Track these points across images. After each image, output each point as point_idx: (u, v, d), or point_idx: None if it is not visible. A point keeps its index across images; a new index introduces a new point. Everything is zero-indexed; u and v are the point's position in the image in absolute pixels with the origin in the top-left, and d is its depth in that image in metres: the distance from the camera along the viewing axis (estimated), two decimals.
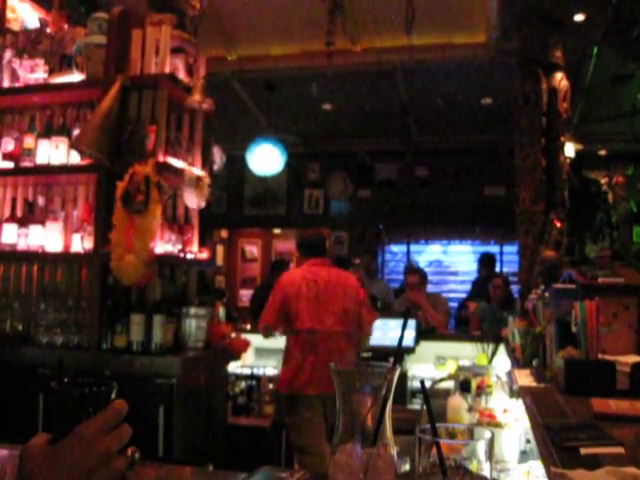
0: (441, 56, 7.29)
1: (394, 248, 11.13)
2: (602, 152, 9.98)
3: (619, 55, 7.11)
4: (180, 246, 3.88)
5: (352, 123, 9.72)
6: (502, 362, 4.82)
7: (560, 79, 6.59)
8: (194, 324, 3.73)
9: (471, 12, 6.55)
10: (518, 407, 3.07)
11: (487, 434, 0.93)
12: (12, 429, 3.34)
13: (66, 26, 4.62)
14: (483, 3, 6.19)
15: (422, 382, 1.06)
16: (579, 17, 6.41)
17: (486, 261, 8.66)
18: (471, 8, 6.47)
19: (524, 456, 2.84)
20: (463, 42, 7.13)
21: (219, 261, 11.38)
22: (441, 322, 6.41)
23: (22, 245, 3.94)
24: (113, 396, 0.96)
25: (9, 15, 4.79)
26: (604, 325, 2.62)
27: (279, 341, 6.24)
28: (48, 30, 4.46)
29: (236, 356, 4.12)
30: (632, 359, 2.51)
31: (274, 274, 8.19)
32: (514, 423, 3.02)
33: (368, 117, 9.28)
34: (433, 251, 11.03)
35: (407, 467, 1.86)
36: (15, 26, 4.77)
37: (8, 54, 4.15)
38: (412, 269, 7.15)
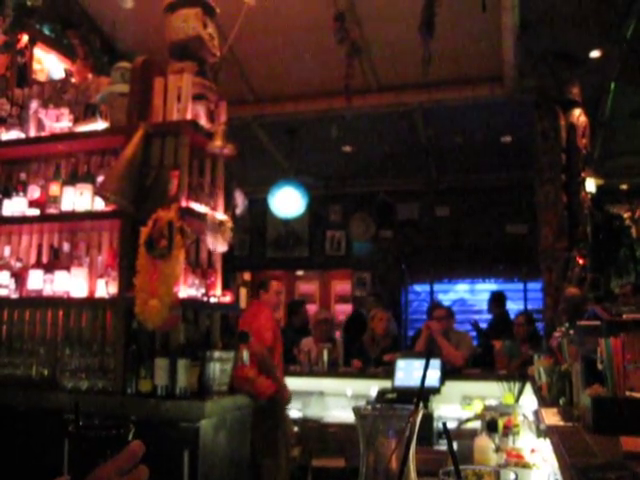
0: (459, 95, 7.34)
1: (417, 288, 11.09)
2: (624, 186, 9.92)
3: (637, 90, 7.12)
4: (203, 290, 3.91)
5: (372, 164, 9.78)
6: (529, 401, 4.76)
7: (578, 115, 6.62)
8: (218, 368, 3.73)
9: (488, 51, 6.61)
10: (546, 447, 3.03)
11: (511, 475, 0.92)
12: (39, 474, 3.35)
13: (90, 76, 4.74)
14: (499, 42, 6.24)
15: (444, 424, 1.06)
16: (595, 53, 6.45)
17: (497, 300, 8.62)
18: (488, 47, 6.53)
19: None
20: (480, 81, 7.18)
21: (242, 304, 11.39)
22: (456, 356, 6.36)
23: (48, 291, 3.99)
24: (130, 438, 0.97)
25: (35, 66, 4.94)
26: (631, 362, 2.59)
27: (303, 383, 6.23)
28: (73, 80, 4.57)
29: (261, 399, 4.11)
30: None
31: (292, 316, 8.21)
32: (542, 463, 2.98)
33: (388, 158, 9.33)
34: (457, 290, 10.98)
35: None
36: (41, 77, 4.91)
37: (34, 104, 4.26)
38: (439, 304, 7.20)
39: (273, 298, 5.79)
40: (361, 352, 6.98)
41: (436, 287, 10.94)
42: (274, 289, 5.79)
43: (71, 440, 0.96)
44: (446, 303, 9.55)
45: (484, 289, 10.59)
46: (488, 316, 9.16)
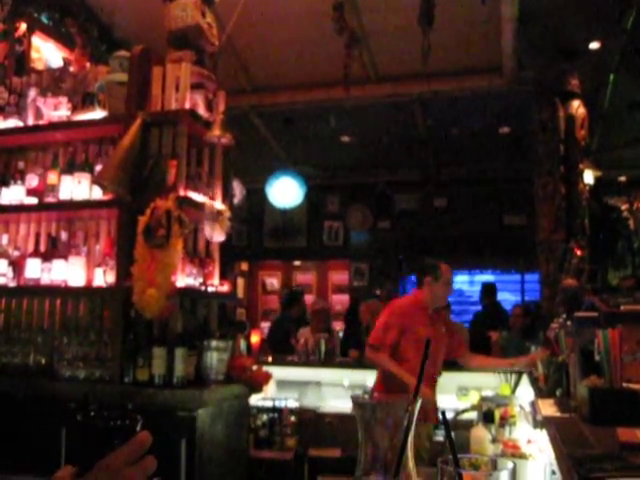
0: (458, 86, 7.33)
1: (415, 279, 11.09)
2: (622, 178, 9.94)
3: (636, 81, 7.11)
4: (201, 279, 3.91)
5: (370, 155, 9.77)
6: (525, 392, 4.77)
7: (577, 107, 6.61)
8: (215, 357, 3.74)
9: (487, 42, 6.60)
10: (542, 438, 3.04)
11: (509, 465, 0.93)
12: (35, 462, 3.35)
13: (88, 64, 4.72)
14: (499, 32, 6.23)
15: (443, 413, 1.06)
16: (594, 45, 6.44)
17: (487, 290, 8.63)
18: (487, 38, 6.51)
19: None
20: (479, 72, 7.17)
21: (240, 294, 11.41)
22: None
23: (45, 279, 3.98)
24: (138, 429, 0.97)
25: (34, 55, 4.91)
26: (627, 353, 2.59)
27: (300, 372, 6.21)
28: (71, 69, 4.55)
29: (257, 388, 4.12)
30: None
31: (292, 306, 8.20)
32: (538, 454, 2.99)
33: (386, 148, 9.33)
34: (455, 281, 10.98)
35: None
36: (39, 65, 4.88)
37: (33, 93, 4.24)
38: None
39: (442, 289, 4.72)
40: (359, 342, 6.98)
41: None
42: (446, 277, 4.74)
43: (79, 430, 0.96)
44: None
45: (482, 280, 10.60)
46: None
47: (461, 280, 11.01)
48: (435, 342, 4.46)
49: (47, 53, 5.11)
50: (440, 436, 4.96)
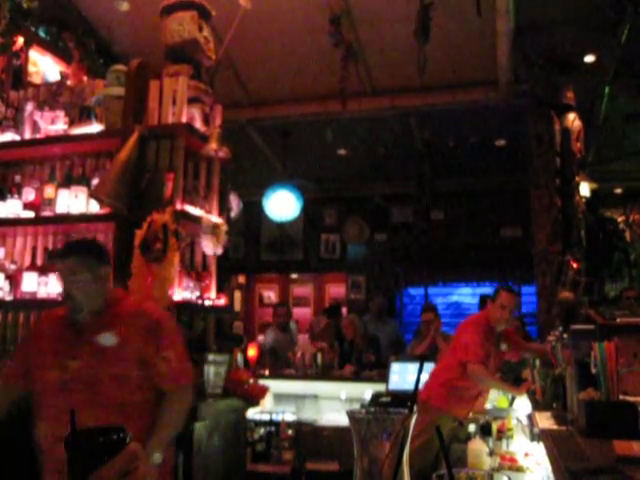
0: (454, 99, 7.35)
1: (412, 291, 11.09)
2: (618, 190, 9.96)
3: (631, 94, 7.14)
4: (198, 293, 3.91)
5: (367, 167, 9.78)
6: (522, 405, 4.77)
7: (573, 119, 6.63)
8: (212, 370, 3.73)
9: (483, 55, 6.63)
10: (539, 451, 3.04)
11: (504, 479, 0.93)
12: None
13: (85, 78, 4.74)
14: (494, 46, 6.26)
15: (438, 427, 1.06)
16: (589, 58, 6.47)
17: (486, 302, 8.63)
18: (483, 51, 6.55)
19: None
20: (475, 85, 7.20)
21: (237, 307, 11.37)
22: None
23: (42, 293, 3.98)
24: (128, 442, 0.97)
25: (31, 69, 4.93)
26: (624, 366, 2.60)
27: (297, 386, 6.22)
28: (68, 82, 4.57)
29: (255, 402, 4.11)
30: None
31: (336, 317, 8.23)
32: (536, 467, 2.99)
33: (383, 161, 9.35)
34: (452, 293, 10.98)
35: None
36: (36, 79, 4.90)
37: (30, 106, 4.25)
38: (426, 307, 7.25)
39: (497, 312, 4.88)
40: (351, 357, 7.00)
41: (431, 290, 10.94)
42: (500, 301, 4.87)
43: (67, 447, 0.95)
44: (440, 307, 9.55)
45: (479, 293, 10.58)
46: None
47: (458, 293, 11.00)
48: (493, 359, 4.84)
49: (44, 67, 5.13)
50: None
